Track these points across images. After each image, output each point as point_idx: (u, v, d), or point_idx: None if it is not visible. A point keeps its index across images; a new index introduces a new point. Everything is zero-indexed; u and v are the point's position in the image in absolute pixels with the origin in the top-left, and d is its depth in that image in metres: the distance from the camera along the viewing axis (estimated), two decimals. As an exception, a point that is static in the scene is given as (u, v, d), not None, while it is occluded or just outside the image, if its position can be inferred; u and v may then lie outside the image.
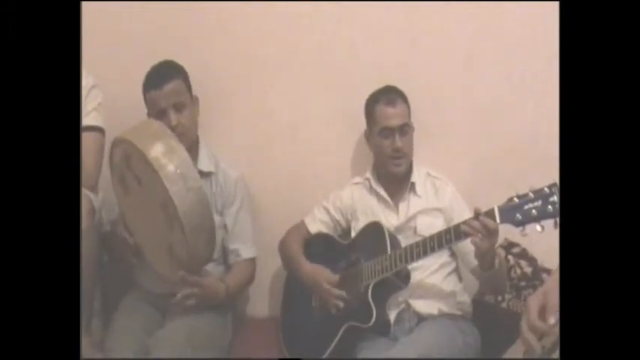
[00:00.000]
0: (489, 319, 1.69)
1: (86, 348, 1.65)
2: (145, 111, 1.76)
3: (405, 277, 1.62)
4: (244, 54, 1.96)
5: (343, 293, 1.65)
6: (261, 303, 2.00)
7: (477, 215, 1.43)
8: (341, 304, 1.65)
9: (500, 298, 1.76)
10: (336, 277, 1.69)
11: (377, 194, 1.78)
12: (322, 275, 1.70)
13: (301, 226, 1.85)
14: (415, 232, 1.68)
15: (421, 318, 1.65)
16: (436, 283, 1.67)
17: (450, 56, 1.89)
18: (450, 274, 1.71)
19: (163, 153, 1.49)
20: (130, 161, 1.55)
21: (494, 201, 1.44)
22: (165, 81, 1.70)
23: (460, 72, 1.89)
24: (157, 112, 1.71)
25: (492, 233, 1.42)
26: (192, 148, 1.75)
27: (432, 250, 1.51)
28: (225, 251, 1.81)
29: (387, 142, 1.70)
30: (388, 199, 1.76)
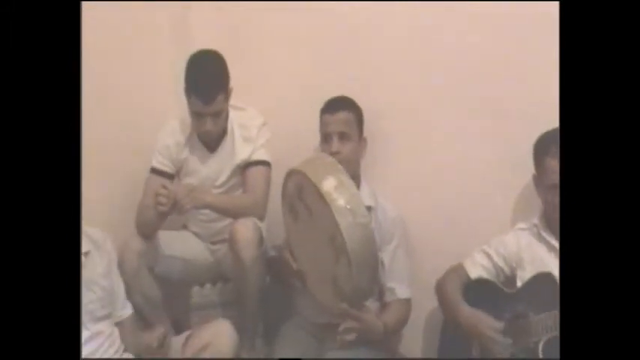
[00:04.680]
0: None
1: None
2: (300, 145, 1.85)
3: (581, 336, 1.50)
4: (409, 92, 1.98)
5: (510, 341, 1.57)
6: (414, 343, 1.97)
7: None
8: (507, 354, 1.56)
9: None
10: (500, 324, 1.61)
11: (547, 243, 1.67)
12: (485, 322, 1.61)
13: (460, 269, 1.78)
14: (594, 287, 1.56)
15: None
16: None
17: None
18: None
19: (335, 187, 1.54)
20: (302, 192, 1.62)
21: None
22: (339, 109, 1.82)
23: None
24: (323, 136, 1.82)
25: None
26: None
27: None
28: (381, 288, 1.81)
29: None
30: (561, 249, 1.65)
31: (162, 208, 1.71)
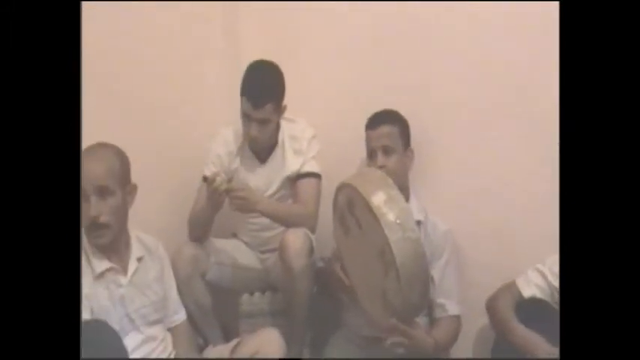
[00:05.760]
0: None
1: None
2: (349, 156, 1.87)
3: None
4: (452, 106, 1.96)
5: None
6: None
7: None
8: None
9: None
10: (556, 349, 1.56)
11: (604, 263, 1.62)
12: (540, 346, 1.57)
13: (513, 287, 1.74)
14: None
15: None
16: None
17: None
18: None
19: (385, 201, 1.53)
20: (353, 206, 1.62)
21: None
22: (380, 123, 1.83)
23: None
24: (368, 152, 1.83)
25: None
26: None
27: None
28: (430, 304, 1.79)
29: None
30: (620, 270, 1.59)
31: (216, 181, 1.73)
